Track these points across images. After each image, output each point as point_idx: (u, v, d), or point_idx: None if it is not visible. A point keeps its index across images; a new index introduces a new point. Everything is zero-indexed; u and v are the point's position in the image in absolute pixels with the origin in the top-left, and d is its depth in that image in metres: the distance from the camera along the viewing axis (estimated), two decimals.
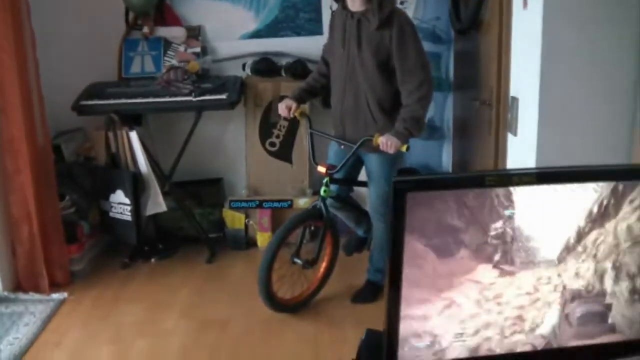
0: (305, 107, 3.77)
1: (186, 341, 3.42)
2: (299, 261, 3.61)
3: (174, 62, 4.52)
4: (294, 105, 3.60)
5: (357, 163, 3.63)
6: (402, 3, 4.32)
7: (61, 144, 4.35)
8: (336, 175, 3.55)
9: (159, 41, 4.59)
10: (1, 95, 3.73)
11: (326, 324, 3.57)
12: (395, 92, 3.38)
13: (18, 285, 4.00)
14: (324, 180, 3.52)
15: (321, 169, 3.51)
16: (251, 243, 4.60)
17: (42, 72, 3.99)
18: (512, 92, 2.98)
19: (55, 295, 3.91)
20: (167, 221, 4.61)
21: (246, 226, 4.60)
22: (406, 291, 1.21)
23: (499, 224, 1.18)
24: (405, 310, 1.22)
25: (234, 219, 4.58)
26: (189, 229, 4.60)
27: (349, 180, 3.74)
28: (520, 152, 2.89)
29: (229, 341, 3.42)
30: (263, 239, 4.52)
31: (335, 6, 4.17)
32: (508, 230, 1.20)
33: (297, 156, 4.59)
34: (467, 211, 1.16)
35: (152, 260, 4.43)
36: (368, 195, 3.67)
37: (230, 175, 4.84)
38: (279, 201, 4.53)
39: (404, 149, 3.27)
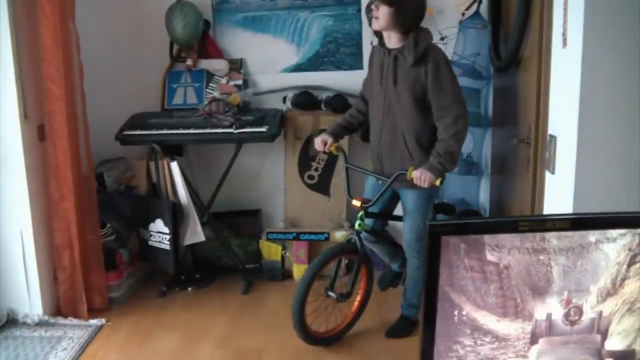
0: (341, 142, 3.79)
1: None
2: (333, 294, 3.61)
3: (216, 94, 4.60)
4: (330, 140, 3.65)
5: (393, 198, 3.65)
6: (442, 39, 4.36)
7: (104, 172, 4.45)
8: (371, 209, 3.57)
9: (201, 73, 4.68)
10: (49, 124, 3.85)
11: (359, 358, 3.56)
12: (432, 128, 3.40)
13: (58, 310, 4.07)
14: (359, 214, 3.54)
15: (356, 203, 3.53)
16: (287, 275, 4.62)
17: (87, 102, 4.11)
18: (551, 130, 2.97)
19: (94, 321, 3.97)
20: (205, 251, 4.66)
21: (283, 258, 4.62)
22: (440, 333, 1.22)
23: (534, 271, 1.19)
24: (439, 353, 1.23)
25: (271, 251, 4.61)
26: (226, 259, 4.63)
27: (384, 214, 3.76)
28: (558, 191, 2.86)
29: None
30: (299, 270, 4.54)
31: (376, 41, 4.22)
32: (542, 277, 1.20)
33: (335, 189, 4.62)
34: (501, 256, 1.18)
35: (189, 289, 4.48)
36: (403, 231, 3.68)
37: (268, 206, 4.89)
38: (315, 233, 4.55)
39: (437, 183, 3.29)
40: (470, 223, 1.18)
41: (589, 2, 2.48)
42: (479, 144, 4.47)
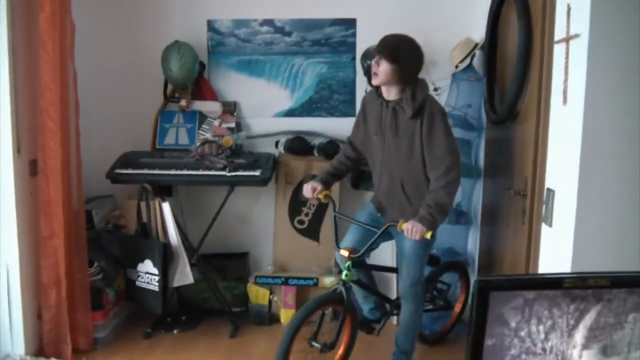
0: (331, 190, 3.78)
1: None
2: (317, 345, 3.50)
3: (208, 136, 4.61)
4: (319, 187, 3.66)
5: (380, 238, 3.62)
6: (435, 90, 4.43)
7: (92, 209, 4.41)
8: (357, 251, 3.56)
9: (194, 114, 4.69)
10: (42, 159, 3.81)
11: None
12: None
13: (40, 350, 3.98)
14: (346, 264, 3.51)
15: (344, 253, 3.51)
16: (274, 319, 4.58)
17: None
18: (548, 184, 3.02)
19: None
20: (191, 293, 4.62)
21: (270, 302, 4.59)
22: None
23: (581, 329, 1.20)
24: None
25: (258, 294, 4.57)
26: (212, 301, 4.60)
27: (372, 265, 3.80)
28: (556, 244, 2.90)
29: None
30: (287, 315, 4.51)
31: (369, 88, 4.27)
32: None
33: (324, 235, 4.62)
34: (548, 312, 1.19)
35: (175, 331, 4.42)
36: (399, 276, 3.68)
37: (256, 250, 4.87)
38: (304, 279, 4.53)
39: (428, 235, 3.28)
40: (520, 279, 1.20)
41: (591, 61, 2.54)
42: (468, 194, 4.52)
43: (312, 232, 4.65)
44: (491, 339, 1.21)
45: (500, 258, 3.89)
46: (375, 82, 3.43)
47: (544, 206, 3.02)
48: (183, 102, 4.61)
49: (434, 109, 3.41)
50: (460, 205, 4.54)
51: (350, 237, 3.71)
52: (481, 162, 4.45)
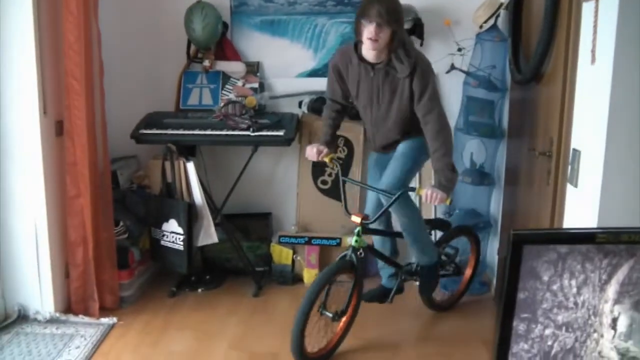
0: (334, 154, 3.79)
1: None
2: (328, 314, 3.52)
3: (232, 96, 4.61)
4: (324, 150, 3.65)
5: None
6: (459, 50, 4.38)
7: (117, 170, 4.45)
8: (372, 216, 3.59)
9: (217, 75, 4.69)
10: (68, 119, 3.84)
11: None
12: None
13: (69, 308, 4.07)
14: (356, 230, 3.50)
15: (355, 219, 3.49)
16: (297, 279, 4.63)
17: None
18: (574, 144, 3.00)
19: (105, 320, 3.97)
20: (214, 252, 4.67)
21: (293, 262, 4.63)
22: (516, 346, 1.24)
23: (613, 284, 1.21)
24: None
25: (282, 254, 4.62)
26: (236, 261, 4.65)
27: (380, 230, 3.83)
28: (581, 204, 2.90)
29: None
30: (309, 275, 4.56)
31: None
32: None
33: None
34: (581, 267, 1.20)
35: (199, 290, 4.49)
36: (382, 177, 3.66)
37: (279, 210, 4.90)
38: (327, 239, 4.57)
39: (448, 202, 3.34)
40: (553, 233, 1.20)
41: (621, 19, 2.51)
42: (491, 155, 4.50)
43: (335, 192, 4.66)
44: (523, 292, 1.22)
45: (524, 219, 3.89)
46: (375, 47, 3.34)
47: (569, 167, 3.01)
48: (206, 63, 4.60)
49: (424, 64, 3.43)
50: (483, 166, 4.53)
51: (367, 205, 3.78)
52: (505, 123, 4.43)
